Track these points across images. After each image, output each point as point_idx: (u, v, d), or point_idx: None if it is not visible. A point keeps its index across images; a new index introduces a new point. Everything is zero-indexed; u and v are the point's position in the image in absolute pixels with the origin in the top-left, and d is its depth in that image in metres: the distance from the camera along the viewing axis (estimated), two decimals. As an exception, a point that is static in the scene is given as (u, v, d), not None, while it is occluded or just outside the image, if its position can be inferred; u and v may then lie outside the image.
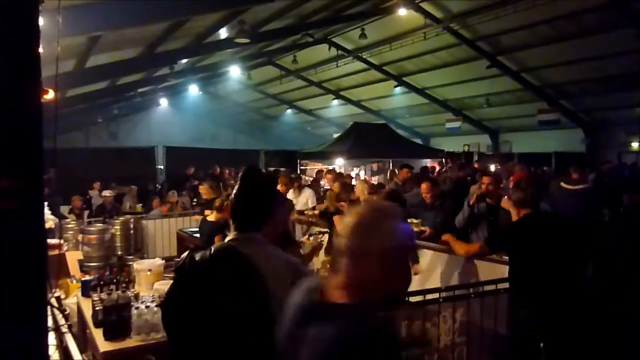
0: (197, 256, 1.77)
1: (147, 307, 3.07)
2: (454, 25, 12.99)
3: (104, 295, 3.29)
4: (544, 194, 6.31)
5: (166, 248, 8.14)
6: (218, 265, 1.72)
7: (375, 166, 16.20)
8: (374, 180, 12.47)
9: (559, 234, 3.34)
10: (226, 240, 1.94)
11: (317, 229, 6.63)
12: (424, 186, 5.76)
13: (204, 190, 8.24)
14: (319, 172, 13.61)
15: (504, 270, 3.87)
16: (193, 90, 19.71)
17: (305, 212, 7.56)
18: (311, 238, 6.18)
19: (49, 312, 2.74)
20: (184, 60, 13.37)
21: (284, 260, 1.88)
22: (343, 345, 1.22)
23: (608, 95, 14.64)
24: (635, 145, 16.04)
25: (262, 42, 13.53)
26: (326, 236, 5.71)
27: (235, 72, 16.23)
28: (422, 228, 5.51)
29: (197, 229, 6.35)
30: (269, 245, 1.92)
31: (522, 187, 3.49)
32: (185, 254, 1.81)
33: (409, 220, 5.59)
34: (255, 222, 1.93)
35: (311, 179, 13.86)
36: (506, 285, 3.59)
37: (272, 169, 14.27)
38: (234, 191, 1.98)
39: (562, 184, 6.46)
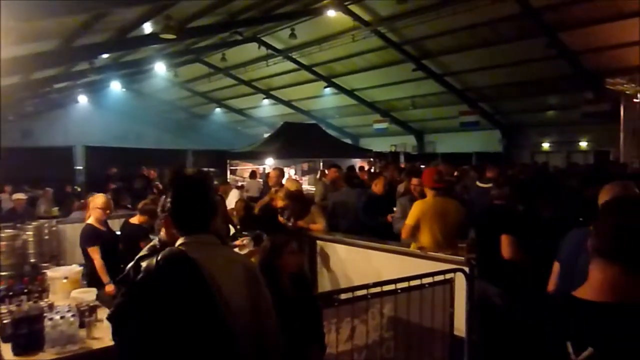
0: (143, 265, 1.68)
1: (62, 317, 2.87)
2: (381, 28, 13.35)
3: (13, 307, 3.05)
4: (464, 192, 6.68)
5: (86, 254, 7.68)
6: (168, 274, 1.64)
7: (305, 166, 16.28)
8: (304, 180, 12.55)
9: None
10: (177, 244, 1.81)
11: (244, 233, 6.50)
12: (382, 179, 6.64)
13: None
14: (253, 172, 13.41)
15: (429, 266, 4.01)
16: (116, 87, 18.79)
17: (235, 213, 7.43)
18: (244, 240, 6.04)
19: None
20: (105, 55, 12.74)
21: (241, 264, 1.82)
22: None
23: (522, 99, 15.76)
24: (545, 145, 17.42)
25: (189, 39, 13.17)
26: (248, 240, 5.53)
27: (161, 69, 15.69)
28: None
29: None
30: (220, 246, 1.88)
31: None
32: (130, 265, 1.72)
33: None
34: (201, 223, 1.84)
35: (240, 179, 13.65)
36: (430, 279, 3.73)
37: (205, 169, 13.87)
38: (170, 196, 1.88)
39: (478, 182, 6.87)
